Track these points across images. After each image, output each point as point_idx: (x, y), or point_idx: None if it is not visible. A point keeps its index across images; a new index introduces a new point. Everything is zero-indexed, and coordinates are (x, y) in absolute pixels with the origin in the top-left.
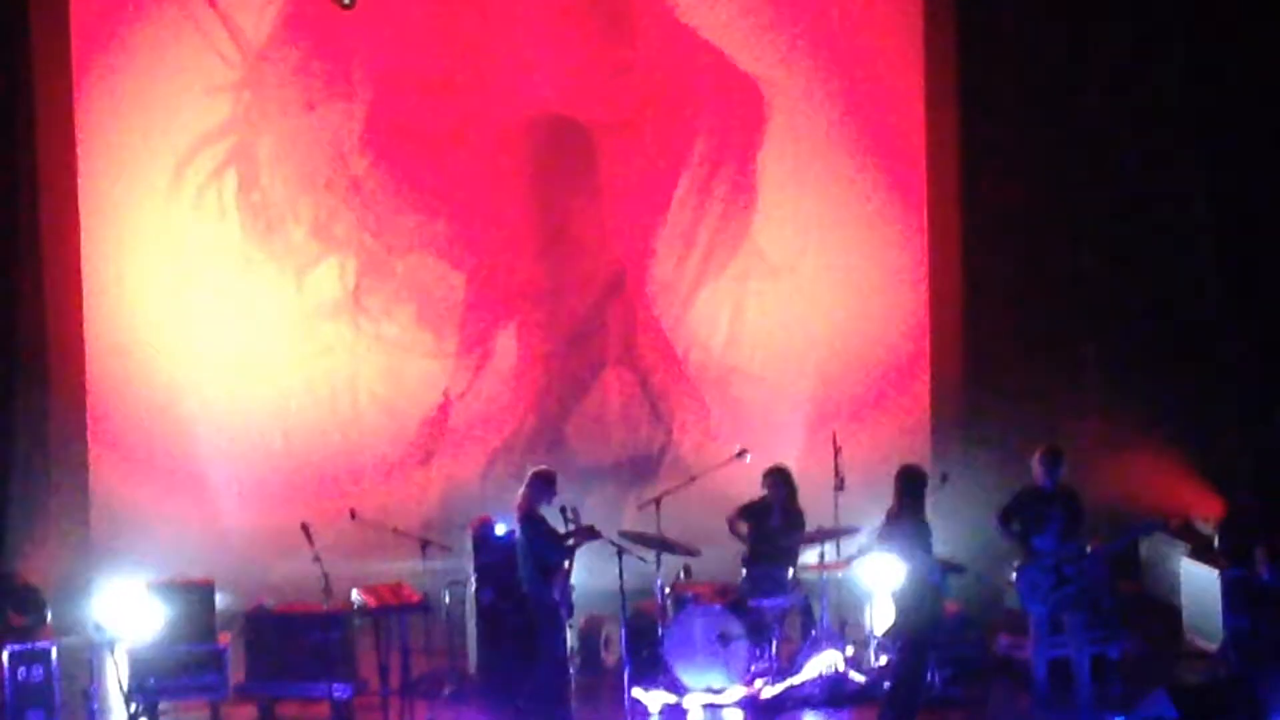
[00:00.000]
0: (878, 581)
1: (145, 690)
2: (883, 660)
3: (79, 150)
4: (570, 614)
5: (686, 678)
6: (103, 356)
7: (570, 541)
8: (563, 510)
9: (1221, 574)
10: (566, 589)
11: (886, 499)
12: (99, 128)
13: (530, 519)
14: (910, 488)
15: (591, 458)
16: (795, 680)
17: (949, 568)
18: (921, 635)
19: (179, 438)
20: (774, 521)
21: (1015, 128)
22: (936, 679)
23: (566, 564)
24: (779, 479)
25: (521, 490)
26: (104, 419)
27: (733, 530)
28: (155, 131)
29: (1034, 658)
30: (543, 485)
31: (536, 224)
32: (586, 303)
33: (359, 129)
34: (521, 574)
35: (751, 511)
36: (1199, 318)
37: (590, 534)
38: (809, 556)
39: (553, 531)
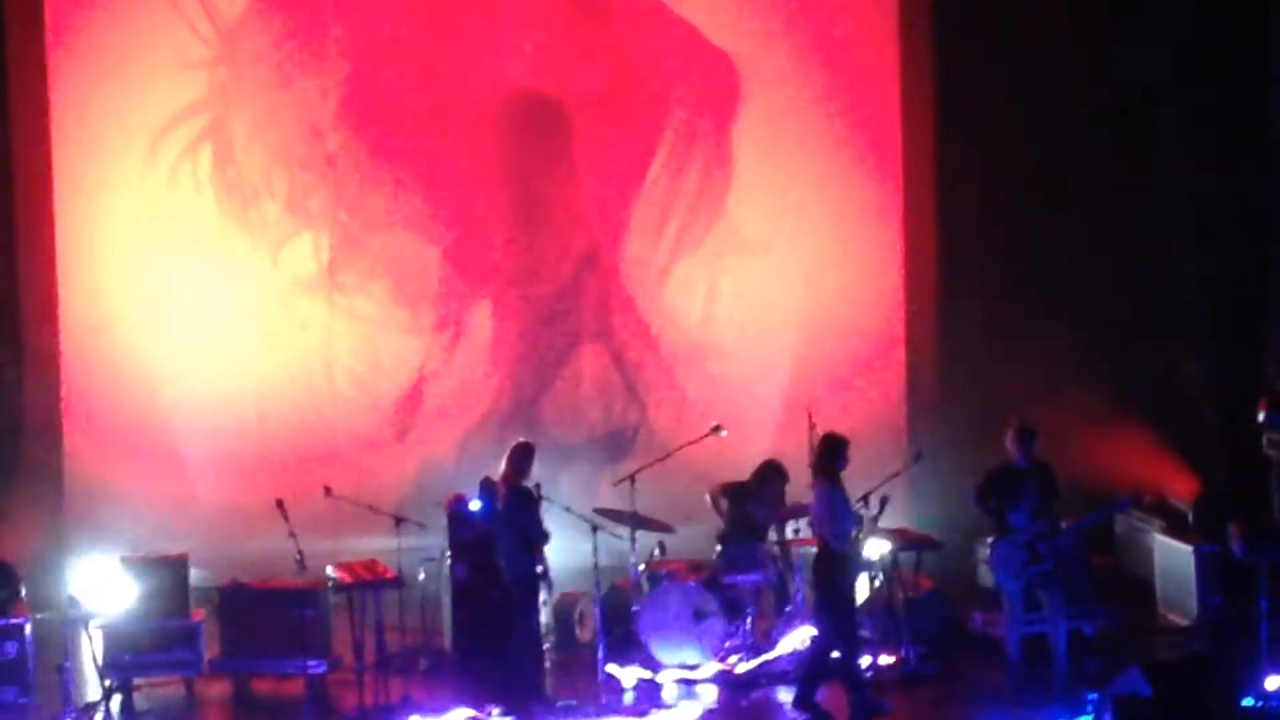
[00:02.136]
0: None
1: (120, 666)
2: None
3: (53, 127)
4: (551, 589)
5: (661, 654)
6: (77, 333)
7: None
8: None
9: (1195, 550)
10: (546, 564)
11: (862, 475)
12: (73, 105)
13: (519, 491)
14: (824, 454)
15: (566, 434)
16: (770, 656)
17: (923, 543)
18: (836, 604)
19: (154, 414)
20: (759, 513)
21: (992, 105)
22: (911, 655)
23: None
24: (775, 475)
25: (505, 463)
26: (79, 395)
27: (713, 504)
28: (130, 108)
29: (1008, 634)
30: (527, 458)
31: (511, 201)
32: (561, 279)
33: (334, 105)
34: (499, 546)
35: (736, 493)
36: (1174, 295)
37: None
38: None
39: (533, 501)
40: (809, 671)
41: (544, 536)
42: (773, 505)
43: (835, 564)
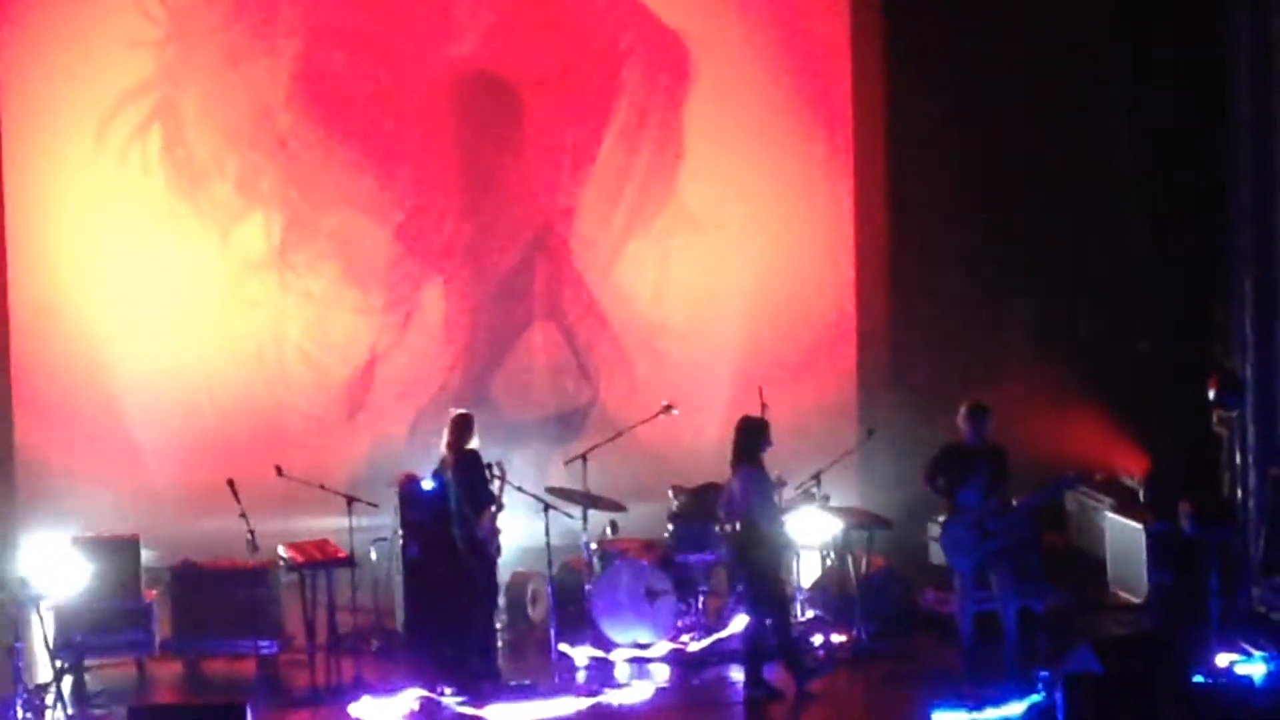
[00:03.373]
0: (803, 536)
1: (71, 646)
2: (810, 614)
3: (2, 110)
4: (499, 553)
5: (613, 633)
6: (27, 313)
7: (493, 486)
8: (488, 466)
9: (1146, 528)
10: (493, 530)
11: (815, 454)
12: (21, 85)
13: (466, 454)
14: (744, 438)
15: (518, 414)
16: (722, 635)
17: (875, 522)
18: (763, 581)
19: (104, 394)
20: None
21: (942, 83)
22: (863, 634)
23: (495, 512)
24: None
25: (446, 434)
26: (28, 375)
27: (675, 494)
28: (79, 87)
29: (960, 613)
30: (467, 425)
31: (462, 180)
32: (512, 259)
33: (284, 85)
34: (453, 512)
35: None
36: (1124, 274)
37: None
38: None
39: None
40: (749, 651)
41: (491, 499)
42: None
43: (759, 543)
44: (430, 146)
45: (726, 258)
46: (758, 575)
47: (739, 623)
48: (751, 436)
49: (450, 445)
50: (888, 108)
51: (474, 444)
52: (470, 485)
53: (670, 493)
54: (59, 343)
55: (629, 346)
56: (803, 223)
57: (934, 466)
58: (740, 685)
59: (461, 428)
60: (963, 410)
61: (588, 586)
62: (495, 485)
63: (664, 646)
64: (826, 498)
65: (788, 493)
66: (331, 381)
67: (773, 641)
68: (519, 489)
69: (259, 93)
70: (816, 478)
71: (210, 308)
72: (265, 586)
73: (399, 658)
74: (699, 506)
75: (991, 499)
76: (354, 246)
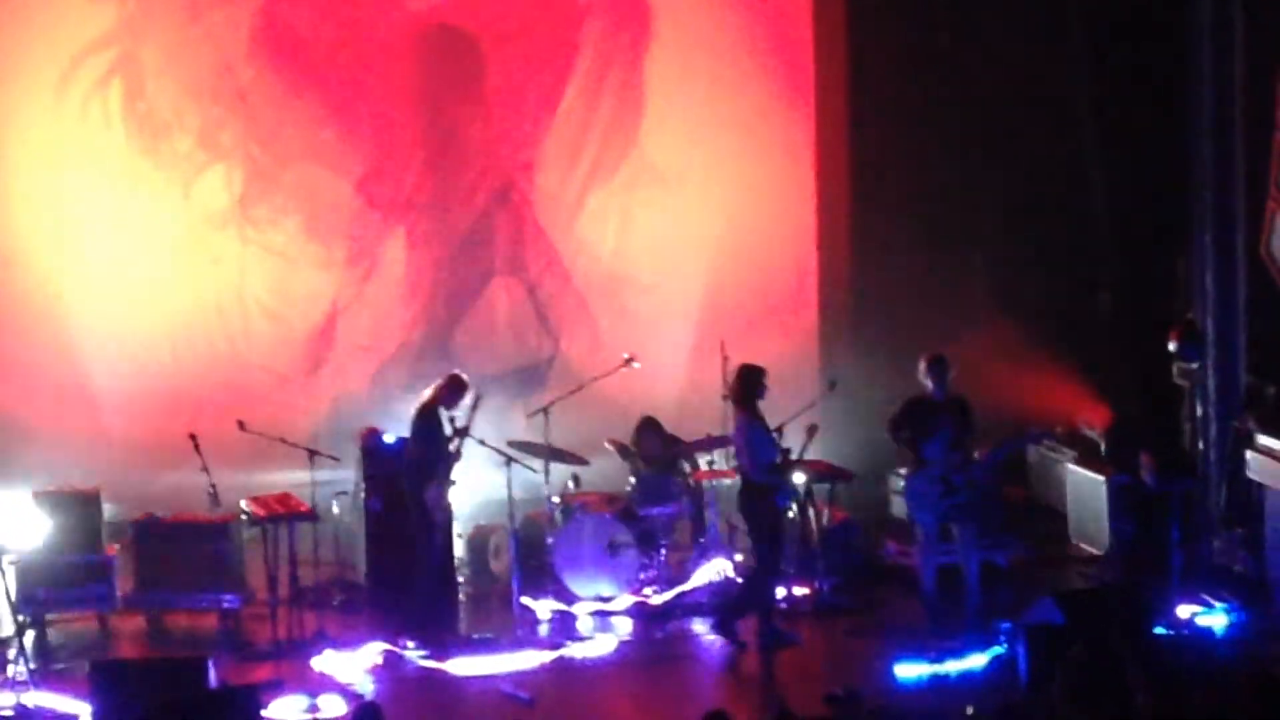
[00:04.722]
0: None
1: (33, 601)
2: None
3: None
4: (445, 521)
5: (576, 586)
6: None
7: (452, 446)
8: (457, 428)
9: (1108, 480)
10: (440, 494)
11: (774, 406)
12: None
13: (427, 414)
14: (740, 386)
15: (480, 367)
16: (684, 588)
17: (836, 475)
18: (760, 534)
19: (65, 348)
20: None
21: (905, 39)
22: (825, 586)
23: (439, 483)
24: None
25: (433, 387)
26: None
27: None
28: (38, 40)
29: (922, 566)
30: (454, 389)
31: (424, 133)
32: (474, 212)
33: (245, 38)
34: (405, 472)
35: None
36: (1085, 225)
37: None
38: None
39: (441, 432)
40: (736, 600)
41: (437, 470)
42: (653, 460)
43: (756, 494)
44: (392, 100)
45: (688, 211)
46: (751, 524)
47: (701, 575)
48: (746, 384)
49: (424, 402)
50: (849, 61)
51: (458, 411)
52: (419, 450)
53: (609, 445)
54: (18, 297)
55: (591, 300)
56: (764, 176)
57: (898, 419)
58: (705, 635)
59: (447, 390)
60: (922, 363)
61: (550, 540)
62: (453, 444)
63: (626, 600)
64: (788, 450)
65: None
66: (293, 336)
67: (758, 594)
68: (481, 442)
69: (220, 46)
70: (779, 430)
71: (172, 262)
72: (227, 540)
73: (361, 612)
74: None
75: (955, 453)
76: (315, 200)
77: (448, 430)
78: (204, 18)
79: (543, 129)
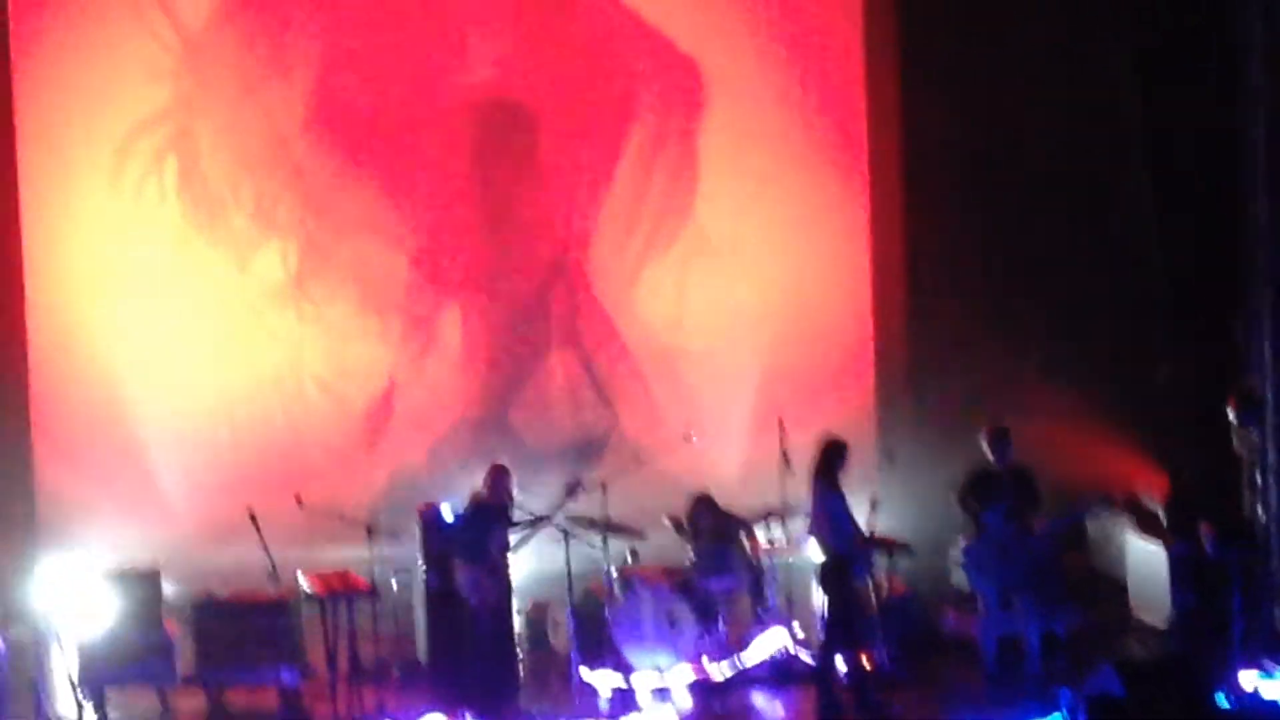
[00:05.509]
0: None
1: (93, 679)
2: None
3: (18, 142)
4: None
5: (635, 659)
6: (45, 346)
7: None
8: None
9: (1167, 550)
10: (472, 577)
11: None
12: (38, 119)
13: (474, 503)
14: (821, 458)
15: (537, 441)
16: (744, 660)
17: (895, 547)
18: (834, 606)
19: (124, 427)
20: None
21: (959, 106)
22: (885, 658)
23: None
24: (705, 507)
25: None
26: (47, 407)
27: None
28: (95, 117)
29: (982, 635)
30: (491, 477)
31: (479, 206)
32: (530, 285)
33: (300, 112)
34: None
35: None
36: (1143, 292)
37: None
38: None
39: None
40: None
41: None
42: (709, 537)
43: (834, 567)
44: (446, 172)
45: (744, 282)
46: (826, 593)
47: (761, 647)
48: (828, 456)
49: (480, 495)
50: (902, 127)
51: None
52: (468, 538)
53: (666, 521)
54: (77, 375)
55: (648, 372)
56: (819, 244)
57: (967, 488)
58: (760, 711)
59: (488, 476)
60: (983, 434)
61: (609, 613)
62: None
63: (686, 672)
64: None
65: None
66: (350, 410)
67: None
68: (539, 519)
69: (274, 121)
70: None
71: (228, 338)
72: (286, 617)
73: (421, 687)
74: (715, 530)
75: (1013, 522)
76: (371, 274)
77: (515, 516)
78: (258, 92)
79: (598, 201)
